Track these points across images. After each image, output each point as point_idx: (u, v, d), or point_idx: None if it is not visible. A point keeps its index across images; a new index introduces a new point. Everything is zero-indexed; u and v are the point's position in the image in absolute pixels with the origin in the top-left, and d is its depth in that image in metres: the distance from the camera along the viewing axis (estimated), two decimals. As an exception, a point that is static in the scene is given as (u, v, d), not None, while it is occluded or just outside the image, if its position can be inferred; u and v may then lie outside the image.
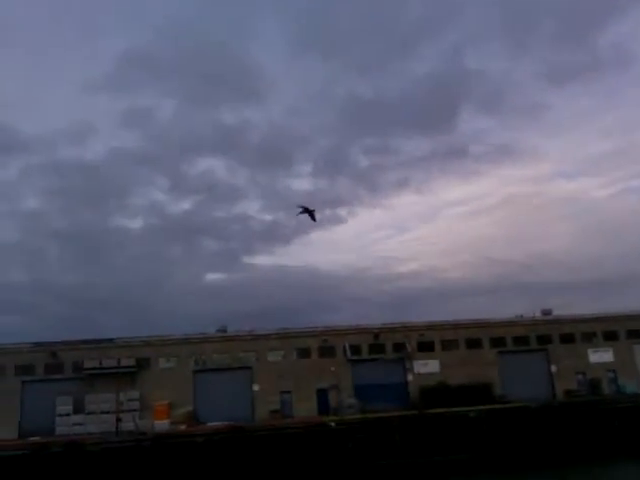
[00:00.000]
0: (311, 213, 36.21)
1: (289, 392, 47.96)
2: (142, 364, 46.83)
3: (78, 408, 43.79)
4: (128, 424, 41.61)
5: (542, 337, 53.32)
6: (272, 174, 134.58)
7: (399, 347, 50.91)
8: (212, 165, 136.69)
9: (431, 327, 52.30)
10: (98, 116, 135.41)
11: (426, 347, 51.35)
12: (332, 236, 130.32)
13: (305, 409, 46.96)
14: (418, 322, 52.77)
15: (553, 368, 52.24)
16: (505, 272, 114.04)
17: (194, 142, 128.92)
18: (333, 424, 40.71)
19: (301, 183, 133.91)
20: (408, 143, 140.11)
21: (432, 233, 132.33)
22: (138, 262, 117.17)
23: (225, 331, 51.09)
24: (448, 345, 51.67)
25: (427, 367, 50.47)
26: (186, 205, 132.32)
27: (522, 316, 55.98)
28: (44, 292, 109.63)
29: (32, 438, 41.03)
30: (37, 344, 47.33)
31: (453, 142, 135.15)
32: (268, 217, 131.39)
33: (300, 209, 35.74)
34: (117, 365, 45.79)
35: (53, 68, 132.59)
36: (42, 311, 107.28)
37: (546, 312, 56.28)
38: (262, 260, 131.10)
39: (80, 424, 42.87)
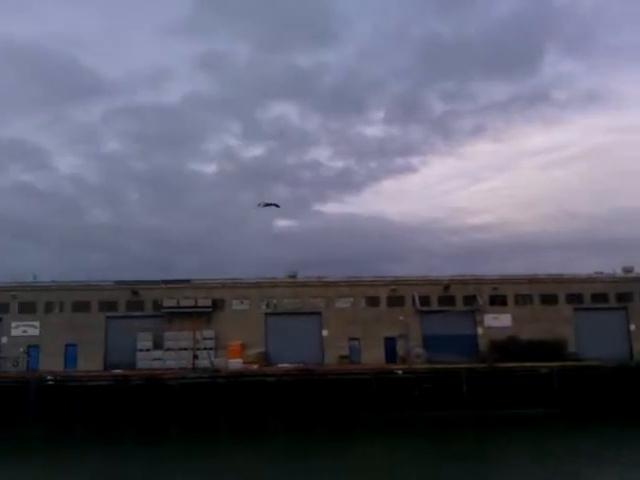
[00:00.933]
0: (273, 204, 41.56)
1: (357, 339, 48.69)
2: (217, 305, 48.66)
3: (157, 344, 46.28)
4: (204, 361, 43.67)
5: (622, 295, 51.27)
6: (344, 120, 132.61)
7: (470, 300, 50.29)
8: (285, 110, 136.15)
9: (504, 281, 51.21)
10: (175, 60, 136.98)
11: (498, 301, 50.50)
12: (403, 185, 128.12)
13: (373, 356, 47.65)
14: (491, 275, 51.74)
15: (632, 327, 50.31)
16: (585, 227, 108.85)
17: (268, 87, 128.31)
18: (400, 372, 41.18)
19: (373, 130, 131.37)
20: (487, 88, 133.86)
21: (508, 184, 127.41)
22: (212, 206, 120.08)
23: (295, 277, 52.01)
24: (522, 300, 50.59)
25: (498, 321, 49.75)
26: (258, 151, 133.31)
27: (602, 273, 53.78)
28: (125, 233, 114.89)
29: (115, 370, 43.91)
30: (119, 282, 49.94)
31: (535, 87, 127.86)
32: (339, 164, 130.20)
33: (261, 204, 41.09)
34: (194, 305, 47.79)
35: (131, 11, 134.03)
36: (123, 251, 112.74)
37: (627, 270, 53.74)
38: (332, 208, 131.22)
39: (159, 359, 45.37)
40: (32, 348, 46.92)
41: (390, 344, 48.55)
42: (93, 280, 50.24)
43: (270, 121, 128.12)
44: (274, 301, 49.83)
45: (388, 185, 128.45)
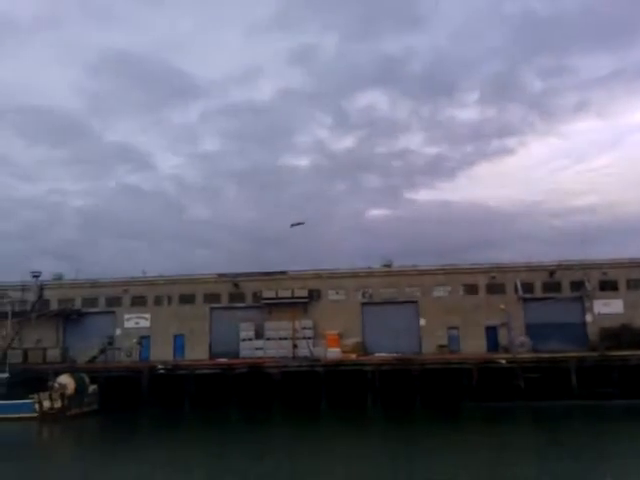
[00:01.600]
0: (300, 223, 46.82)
1: (456, 328, 47.59)
2: (313, 295, 49.39)
3: (259, 334, 47.74)
4: (303, 350, 44.51)
5: None
6: (435, 105, 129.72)
7: (577, 286, 47.57)
8: (374, 99, 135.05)
9: (615, 265, 47.97)
10: (265, 57, 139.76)
11: (609, 286, 47.43)
12: (500, 169, 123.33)
13: (473, 346, 46.38)
14: (600, 259, 48.62)
15: None
16: None
17: (356, 76, 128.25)
18: (504, 361, 39.81)
19: (467, 113, 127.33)
20: (588, 62, 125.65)
21: (613, 163, 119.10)
22: (306, 199, 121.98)
23: (390, 266, 51.65)
24: (634, 284, 47.20)
25: (609, 307, 46.73)
26: (348, 142, 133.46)
27: None
28: (224, 228, 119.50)
29: (220, 359, 45.84)
30: (221, 275, 51.97)
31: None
32: (431, 150, 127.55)
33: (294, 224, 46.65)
34: (291, 296, 48.80)
35: (222, 13, 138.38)
36: (223, 245, 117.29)
37: None
38: (424, 195, 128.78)
39: (261, 348, 46.77)
40: (144, 339, 49.95)
41: (491, 333, 47.01)
42: (197, 274, 52.64)
43: (360, 111, 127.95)
44: (370, 291, 49.80)
45: (484, 169, 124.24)
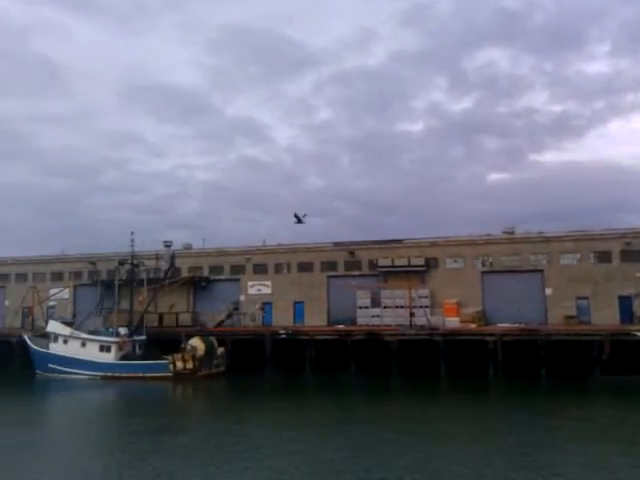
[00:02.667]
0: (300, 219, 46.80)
1: (586, 298, 44.61)
2: (430, 263, 48.48)
3: (375, 302, 47.88)
4: (420, 319, 44.07)
5: None
6: (561, 59, 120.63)
7: None
8: (493, 57, 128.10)
9: None
10: (378, 20, 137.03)
11: None
12: (634, 125, 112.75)
13: (605, 317, 43.28)
14: None
15: None
16: None
17: (473, 34, 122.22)
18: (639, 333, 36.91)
19: (596, 66, 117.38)
20: None
21: None
22: (421, 165, 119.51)
23: (512, 233, 49.27)
24: None
25: None
26: (466, 103, 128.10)
27: None
28: (338, 197, 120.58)
29: (338, 326, 46.67)
30: (337, 244, 52.54)
31: None
32: (556, 108, 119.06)
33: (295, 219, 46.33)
34: (407, 264, 48.28)
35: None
36: (337, 214, 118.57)
37: None
38: (550, 157, 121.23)
39: (377, 316, 46.95)
40: (266, 305, 52.06)
41: (625, 303, 43.55)
42: (314, 243, 53.65)
43: (478, 70, 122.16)
44: (490, 259, 47.94)
45: (616, 126, 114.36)
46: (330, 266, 51.58)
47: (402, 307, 46.14)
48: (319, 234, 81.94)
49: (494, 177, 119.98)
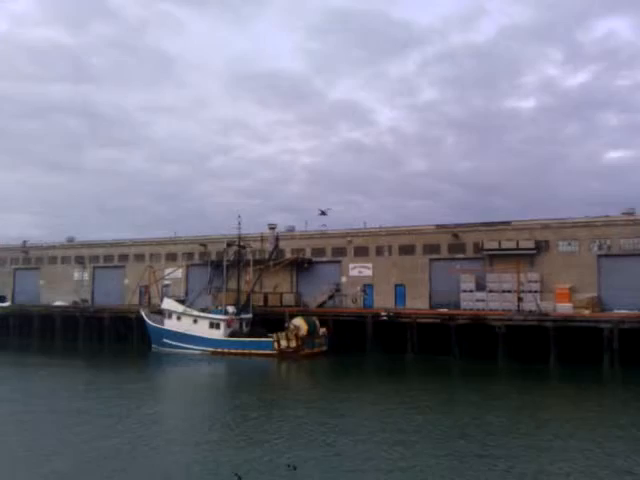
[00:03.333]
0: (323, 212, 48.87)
1: None
2: (540, 247, 46.11)
3: (480, 285, 46.39)
4: (529, 304, 42.18)
5: None
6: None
7: None
8: (613, 27, 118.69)
9: None
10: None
11: None
12: None
13: None
14: None
15: None
16: None
17: (591, 4, 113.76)
18: None
19: None
20: None
21: None
22: (531, 144, 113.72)
23: (633, 214, 45.62)
24: None
25: None
26: (582, 77, 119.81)
27: None
28: (442, 178, 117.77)
29: (441, 309, 45.76)
30: (440, 226, 51.36)
31: None
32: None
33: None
34: (516, 247, 46.23)
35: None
36: (440, 196, 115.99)
37: None
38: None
39: (482, 300, 45.47)
40: (367, 287, 52.10)
41: None
42: (416, 225, 52.81)
43: (596, 42, 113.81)
44: (607, 242, 44.74)
45: None
46: (432, 249, 50.57)
47: (509, 292, 44.37)
48: (421, 217, 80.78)
49: (613, 155, 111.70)
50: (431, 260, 50.40)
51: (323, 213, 48.57)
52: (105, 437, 19.82)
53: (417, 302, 49.40)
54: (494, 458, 17.32)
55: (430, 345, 41.40)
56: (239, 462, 16.77)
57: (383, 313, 44.63)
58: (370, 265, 52.83)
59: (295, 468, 15.74)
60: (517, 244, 46.38)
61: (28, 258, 70.68)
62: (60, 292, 64.79)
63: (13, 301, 66.49)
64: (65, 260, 68.00)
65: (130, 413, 24.07)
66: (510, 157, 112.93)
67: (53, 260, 68.94)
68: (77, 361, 44.30)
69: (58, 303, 61.26)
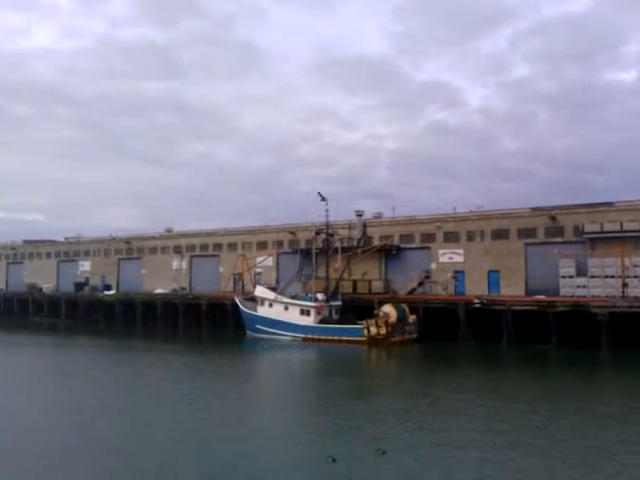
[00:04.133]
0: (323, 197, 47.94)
1: None
2: (648, 228, 42.92)
3: (581, 271, 43.92)
4: (635, 290, 39.48)
5: None
6: None
7: None
8: None
9: None
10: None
11: None
12: None
13: None
14: None
15: None
16: None
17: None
18: None
19: None
20: None
21: None
22: (633, 117, 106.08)
23: None
24: None
25: None
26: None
27: None
28: (536, 158, 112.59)
29: (538, 296, 43.76)
30: (535, 209, 49.05)
31: None
32: None
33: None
34: (620, 229, 43.30)
35: None
36: (533, 177, 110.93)
37: None
38: None
39: (583, 286, 43.03)
40: (458, 273, 50.83)
41: None
42: (509, 208, 50.77)
43: None
44: None
45: None
46: (528, 233, 48.40)
47: (612, 277, 41.72)
48: (513, 199, 77.65)
49: None
50: (526, 245, 48.31)
51: (323, 198, 48.12)
52: (205, 419, 20.67)
53: (512, 289, 47.56)
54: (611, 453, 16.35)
55: (526, 333, 39.80)
56: (332, 445, 16.99)
57: (476, 300, 43.38)
58: (461, 251, 51.45)
59: (385, 452, 15.94)
60: (621, 226, 43.45)
61: (130, 249, 74.93)
62: (160, 280, 68.24)
63: (118, 289, 70.84)
64: (164, 250, 71.46)
65: (228, 395, 25.02)
66: (611, 132, 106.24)
67: (153, 250, 72.65)
68: (178, 346, 46.61)
69: (159, 291, 64.56)
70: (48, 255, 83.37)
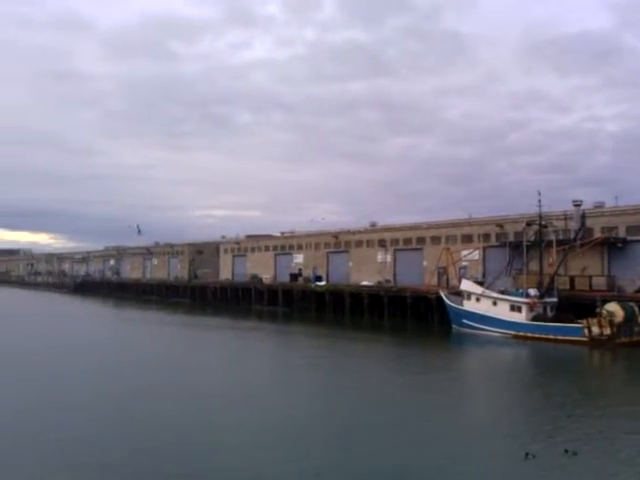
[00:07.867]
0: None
1: None
2: None
3: None
4: None
5: None
6: None
7: None
8: None
9: None
10: None
11: None
12: None
13: None
14: None
15: None
16: None
17: None
18: None
19: None
20: None
21: None
22: None
23: None
24: None
25: None
26: None
27: None
28: None
29: None
30: None
31: None
32: None
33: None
34: None
35: None
36: None
37: None
38: None
39: None
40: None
41: None
42: None
43: None
44: None
45: None
46: None
47: None
48: None
49: None
50: None
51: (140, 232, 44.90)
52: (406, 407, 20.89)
53: None
54: None
55: None
56: (529, 442, 17.09)
57: None
58: None
59: (575, 453, 16.07)
60: None
61: (338, 242, 78.52)
62: (366, 273, 70.41)
63: (328, 280, 74.81)
64: (369, 243, 73.54)
65: (436, 389, 24.97)
66: None
67: (359, 244, 75.21)
68: (385, 337, 47.70)
69: (364, 283, 66.71)
70: (267, 248, 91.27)
